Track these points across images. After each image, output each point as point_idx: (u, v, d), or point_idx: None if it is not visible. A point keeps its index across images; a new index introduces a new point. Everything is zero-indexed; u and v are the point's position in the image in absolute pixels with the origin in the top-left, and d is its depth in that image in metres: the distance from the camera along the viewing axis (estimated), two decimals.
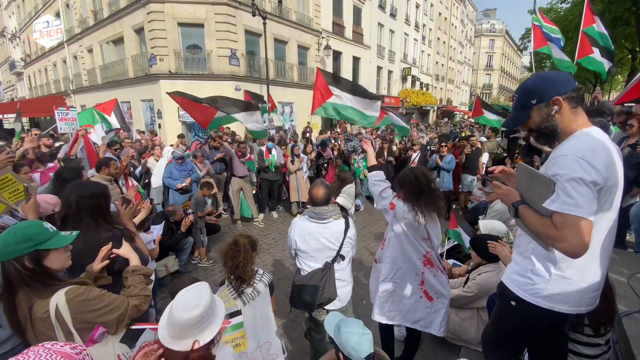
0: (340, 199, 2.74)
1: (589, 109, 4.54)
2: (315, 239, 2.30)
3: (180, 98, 5.24)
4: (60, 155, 5.70)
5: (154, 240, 3.59)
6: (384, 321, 2.47)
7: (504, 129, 8.99)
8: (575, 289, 1.40)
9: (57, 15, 20.95)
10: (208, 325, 1.20)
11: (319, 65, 18.75)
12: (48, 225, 1.46)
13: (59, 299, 1.36)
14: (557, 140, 1.41)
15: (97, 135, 7.13)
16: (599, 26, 6.56)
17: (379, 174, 2.42)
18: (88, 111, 7.79)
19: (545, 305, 1.43)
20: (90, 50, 18.37)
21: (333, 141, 9.65)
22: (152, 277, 1.91)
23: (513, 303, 1.54)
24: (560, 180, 1.25)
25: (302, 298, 2.28)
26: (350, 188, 2.90)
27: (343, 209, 2.63)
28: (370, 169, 2.50)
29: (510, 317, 1.60)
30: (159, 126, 11.50)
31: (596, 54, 6.50)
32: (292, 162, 7.06)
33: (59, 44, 21.38)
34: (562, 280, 1.39)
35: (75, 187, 2.02)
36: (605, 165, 1.24)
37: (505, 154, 8.72)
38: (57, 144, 7.01)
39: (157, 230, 3.83)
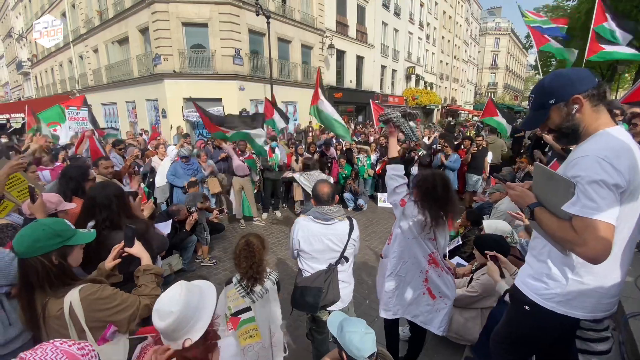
0: (297, 176, 2.67)
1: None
2: (319, 240, 2.28)
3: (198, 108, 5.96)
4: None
5: None
6: (389, 316, 2.46)
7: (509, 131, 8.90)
8: (593, 295, 1.35)
9: (63, 15, 21.17)
10: (195, 324, 1.18)
11: (323, 64, 18.77)
12: (68, 222, 1.51)
13: (73, 297, 1.37)
14: (578, 140, 1.35)
15: (66, 134, 7.01)
16: (610, 24, 6.46)
17: (399, 169, 2.34)
18: (54, 109, 7.48)
19: (560, 310, 1.39)
20: (95, 50, 18.50)
21: (338, 140, 9.66)
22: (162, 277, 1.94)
23: (526, 307, 1.49)
24: (581, 183, 1.19)
25: (305, 300, 2.27)
26: (312, 174, 2.84)
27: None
28: (390, 160, 2.40)
29: (522, 321, 1.57)
30: (170, 127, 11.56)
31: (608, 49, 6.42)
32: (297, 161, 7.06)
33: (65, 44, 21.61)
34: (579, 285, 1.34)
35: (105, 188, 2.10)
36: (629, 167, 1.18)
37: (510, 154, 8.65)
38: (61, 144, 7.09)
39: (162, 228, 3.85)
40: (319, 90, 5.59)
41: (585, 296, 1.36)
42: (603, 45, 6.47)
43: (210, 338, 1.26)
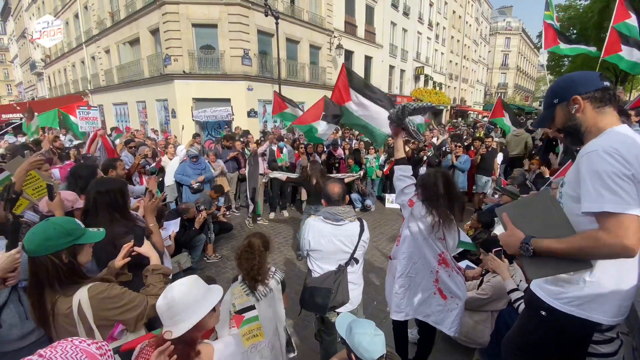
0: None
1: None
2: (330, 240, 2.28)
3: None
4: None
5: (170, 236, 3.66)
6: (401, 318, 2.44)
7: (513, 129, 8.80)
8: (612, 297, 1.33)
9: (76, 16, 21.57)
10: (179, 322, 1.24)
11: (331, 64, 18.75)
12: (78, 221, 1.52)
13: (81, 296, 1.39)
14: (583, 140, 1.38)
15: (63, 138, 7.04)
16: (633, 20, 6.24)
17: (406, 169, 2.35)
18: (52, 112, 7.58)
19: (580, 314, 1.35)
20: (107, 51, 18.82)
21: (347, 140, 9.64)
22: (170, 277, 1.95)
23: (543, 313, 1.46)
24: (601, 177, 1.19)
25: (314, 300, 2.27)
26: None
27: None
28: (398, 161, 2.40)
29: (539, 327, 1.52)
30: (182, 127, 11.69)
31: (625, 51, 6.23)
32: (308, 159, 7.07)
33: (77, 45, 22.01)
34: (597, 287, 1.32)
35: (95, 183, 2.11)
36: (637, 156, 1.19)
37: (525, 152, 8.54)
38: (75, 142, 7.23)
39: (172, 226, 3.89)
40: (350, 90, 4.83)
41: (604, 298, 1.33)
42: (622, 46, 6.26)
43: (188, 344, 1.29)
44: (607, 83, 1.33)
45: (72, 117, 7.38)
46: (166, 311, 1.24)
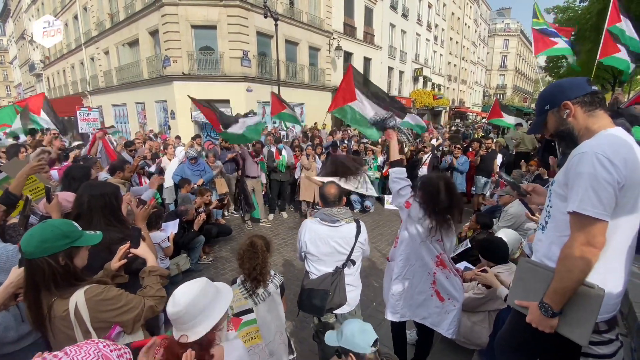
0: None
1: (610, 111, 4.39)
2: (326, 242, 2.27)
3: (199, 105, 5.37)
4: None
5: (168, 237, 3.65)
6: (396, 319, 2.44)
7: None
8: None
9: (75, 17, 21.57)
10: (195, 325, 1.22)
11: (330, 66, 18.77)
12: (75, 223, 1.51)
13: (78, 298, 1.37)
14: (578, 143, 1.40)
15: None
16: (623, 25, 6.32)
17: (401, 171, 2.37)
18: (9, 108, 7.32)
19: None
20: (106, 52, 18.82)
21: (346, 142, 9.65)
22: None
23: None
24: (587, 180, 1.23)
25: (312, 302, 2.26)
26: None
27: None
28: (393, 164, 2.44)
29: (528, 326, 1.52)
30: (169, 127, 11.68)
31: (622, 52, 6.27)
32: (307, 158, 7.05)
33: (76, 46, 22.00)
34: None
35: (86, 187, 2.08)
36: (626, 160, 1.22)
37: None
38: (75, 143, 7.21)
39: (171, 227, 3.88)
40: (356, 90, 4.87)
41: None
42: (619, 46, 6.30)
43: (204, 347, 1.26)
44: (595, 87, 1.38)
45: (36, 116, 7.17)
46: (180, 317, 1.21)
